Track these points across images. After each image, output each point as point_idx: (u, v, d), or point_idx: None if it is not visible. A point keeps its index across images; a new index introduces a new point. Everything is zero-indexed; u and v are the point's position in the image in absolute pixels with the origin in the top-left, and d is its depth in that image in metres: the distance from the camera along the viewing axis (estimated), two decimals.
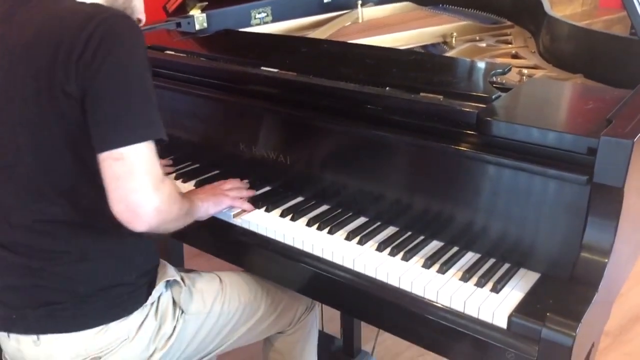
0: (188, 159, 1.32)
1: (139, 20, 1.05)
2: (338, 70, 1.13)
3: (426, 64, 1.17)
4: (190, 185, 1.22)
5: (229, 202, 1.11)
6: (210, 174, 1.26)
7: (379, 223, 1.04)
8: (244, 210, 1.11)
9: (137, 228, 0.86)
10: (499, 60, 1.44)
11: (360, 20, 1.88)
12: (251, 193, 1.16)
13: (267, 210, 1.11)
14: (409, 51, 1.47)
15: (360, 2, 1.91)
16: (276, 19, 1.87)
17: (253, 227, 1.08)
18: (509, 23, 1.77)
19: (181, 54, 1.34)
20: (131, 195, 0.84)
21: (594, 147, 0.79)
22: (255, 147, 1.18)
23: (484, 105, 0.92)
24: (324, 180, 1.11)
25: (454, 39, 1.61)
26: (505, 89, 1.01)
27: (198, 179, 1.24)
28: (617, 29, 2.92)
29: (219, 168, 1.27)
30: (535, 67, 1.37)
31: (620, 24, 2.94)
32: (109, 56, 0.83)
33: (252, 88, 1.17)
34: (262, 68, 1.19)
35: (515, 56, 1.50)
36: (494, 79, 1.06)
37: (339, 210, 1.08)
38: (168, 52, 1.38)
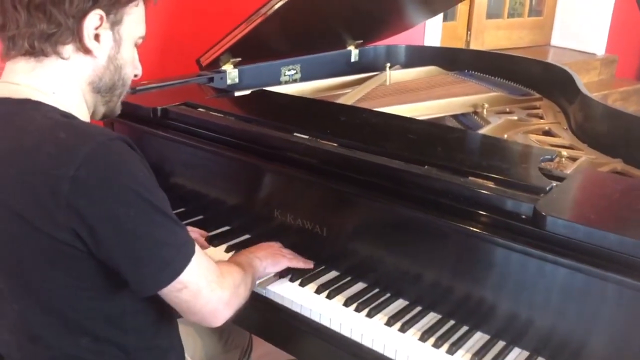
0: (219, 221, 1.29)
1: (136, 76, 0.97)
2: (380, 144, 1.12)
3: (472, 144, 1.15)
4: (220, 250, 1.19)
5: (287, 263, 1.09)
6: (241, 239, 1.23)
7: (419, 308, 1.00)
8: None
9: (216, 325, 0.87)
10: (532, 136, 1.43)
11: (387, 83, 1.89)
12: (309, 264, 1.12)
13: (301, 285, 1.07)
14: (453, 128, 1.46)
15: (389, 65, 1.92)
16: (305, 76, 1.87)
17: (287, 303, 1.05)
18: (537, 95, 1.78)
19: (218, 114, 1.32)
20: (204, 308, 0.85)
21: None
22: (291, 215, 1.16)
23: (539, 197, 0.90)
24: (362, 257, 1.08)
25: (485, 110, 1.61)
26: (554, 177, 0.99)
27: (229, 243, 1.21)
28: (633, 101, 2.95)
29: (250, 233, 1.24)
30: (571, 148, 1.36)
31: (636, 95, 2.98)
32: (108, 203, 0.76)
33: (290, 155, 1.15)
34: (300, 135, 1.17)
35: (548, 133, 1.49)
36: (542, 165, 1.04)
37: (377, 290, 1.05)
38: (201, 109, 1.36)
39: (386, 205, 1.02)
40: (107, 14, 0.85)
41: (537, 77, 1.84)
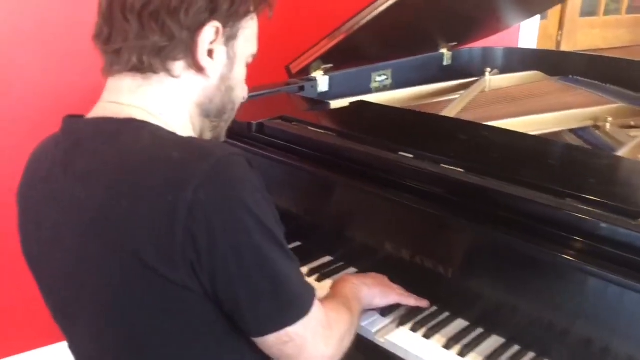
0: (320, 249, 1.16)
1: (244, 99, 0.88)
2: (517, 172, 0.95)
3: (626, 174, 0.98)
4: (325, 287, 1.05)
5: (397, 297, 0.97)
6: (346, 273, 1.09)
7: None
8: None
9: None
10: None
11: (486, 90, 1.72)
12: (422, 302, 0.99)
13: (425, 337, 0.93)
14: (599, 152, 1.26)
15: (488, 70, 1.74)
16: (395, 82, 1.73)
17: (402, 354, 0.91)
18: None
19: (318, 130, 1.19)
20: None
21: None
22: (407, 251, 1.01)
23: None
24: (498, 305, 0.92)
25: (608, 124, 1.42)
26: None
27: (335, 277, 1.07)
28: None
29: (357, 266, 1.10)
30: None
31: None
32: (231, 231, 0.65)
33: (408, 183, 1.00)
34: (417, 158, 1.03)
35: None
36: None
37: (519, 348, 0.89)
38: (297, 124, 1.23)
39: (534, 249, 0.86)
40: (224, 27, 0.74)
41: None
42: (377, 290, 0.96)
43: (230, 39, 0.76)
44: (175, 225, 0.63)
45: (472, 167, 0.98)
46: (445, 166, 1.00)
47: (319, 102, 1.39)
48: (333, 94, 1.55)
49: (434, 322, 0.96)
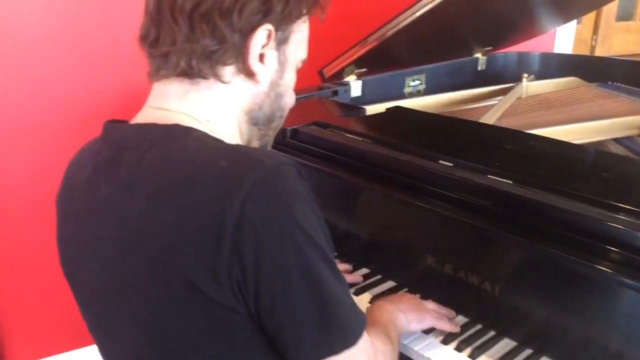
0: (356, 261, 1.11)
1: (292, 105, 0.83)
2: (572, 186, 0.90)
3: None
4: (365, 300, 1.01)
5: (432, 321, 0.92)
6: (385, 287, 1.05)
7: None
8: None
9: None
10: None
11: (523, 96, 1.66)
12: (453, 326, 0.94)
13: (471, 357, 0.88)
14: None
15: (525, 76, 1.69)
16: (429, 87, 1.68)
17: None
18: None
19: (355, 137, 1.15)
20: None
21: None
22: (449, 265, 0.97)
23: None
24: (549, 325, 0.87)
25: None
26: None
27: (372, 291, 1.03)
28: None
29: (395, 279, 1.06)
30: None
31: None
32: (279, 247, 0.60)
33: (452, 194, 0.96)
34: (460, 168, 0.98)
35: None
36: None
37: None
38: (332, 130, 1.19)
39: (587, 266, 0.81)
40: (276, 30, 0.69)
41: None
42: (412, 316, 0.91)
43: (281, 43, 0.72)
44: (221, 242, 0.59)
45: (521, 178, 0.93)
46: (492, 177, 0.95)
47: (354, 107, 1.35)
48: (366, 99, 1.50)
49: (479, 342, 0.91)
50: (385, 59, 1.51)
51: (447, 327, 0.93)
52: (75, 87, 1.65)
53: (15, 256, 1.71)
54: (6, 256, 1.70)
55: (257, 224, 0.59)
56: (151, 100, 0.72)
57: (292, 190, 0.62)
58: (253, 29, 0.67)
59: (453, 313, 0.97)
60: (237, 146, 0.69)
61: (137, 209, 0.64)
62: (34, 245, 1.71)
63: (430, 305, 0.96)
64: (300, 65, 0.78)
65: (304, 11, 0.72)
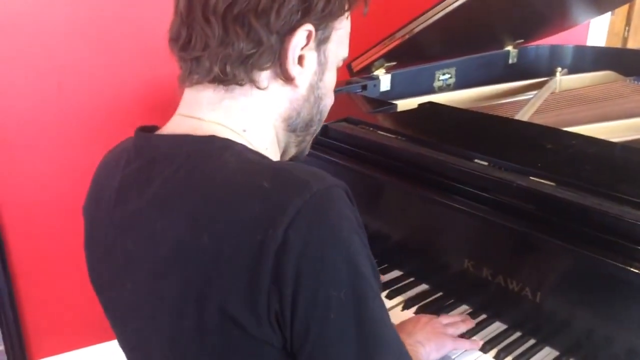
0: (388, 262, 1.08)
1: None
2: (614, 187, 0.86)
3: None
4: (396, 305, 0.98)
5: (452, 346, 0.88)
6: (418, 290, 1.02)
7: None
8: None
9: None
10: None
11: (557, 91, 1.61)
12: (470, 324, 0.92)
13: None
14: None
15: (559, 70, 1.64)
16: (459, 80, 1.64)
17: None
18: None
19: (388, 134, 1.11)
20: None
21: None
22: (488, 270, 0.93)
23: None
24: (592, 334, 0.83)
25: None
26: None
27: (405, 295, 1.00)
28: None
29: (429, 283, 1.03)
30: None
31: None
32: (321, 280, 0.55)
33: (492, 196, 0.92)
34: (497, 168, 0.94)
35: None
36: None
37: None
38: (364, 127, 1.16)
39: (633, 273, 0.77)
40: (316, 29, 0.64)
41: None
42: (432, 346, 0.86)
43: (322, 42, 0.66)
44: (261, 271, 0.54)
45: (565, 180, 0.89)
46: (534, 179, 0.91)
47: (384, 102, 1.31)
48: (395, 93, 1.47)
49: (519, 350, 0.87)
50: (415, 52, 1.47)
51: (467, 345, 0.89)
52: (100, 83, 1.63)
53: (41, 253, 1.72)
54: (32, 253, 1.70)
55: (299, 254, 0.54)
56: (183, 108, 0.67)
57: (339, 218, 0.56)
58: (292, 30, 0.62)
59: (467, 317, 0.94)
60: (281, 164, 0.63)
61: (172, 229, 0.60)
62: (59, 242, 1.71)
63: (445, 320, 0.92)
64: (340, 64, 0.72)
65: (346, 6, 0.66)
